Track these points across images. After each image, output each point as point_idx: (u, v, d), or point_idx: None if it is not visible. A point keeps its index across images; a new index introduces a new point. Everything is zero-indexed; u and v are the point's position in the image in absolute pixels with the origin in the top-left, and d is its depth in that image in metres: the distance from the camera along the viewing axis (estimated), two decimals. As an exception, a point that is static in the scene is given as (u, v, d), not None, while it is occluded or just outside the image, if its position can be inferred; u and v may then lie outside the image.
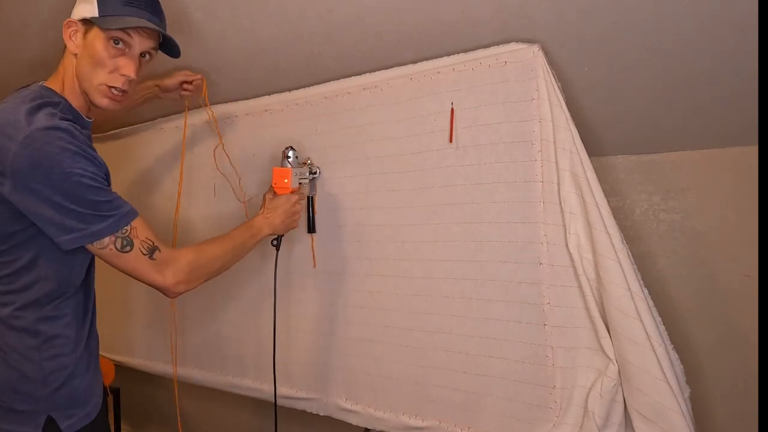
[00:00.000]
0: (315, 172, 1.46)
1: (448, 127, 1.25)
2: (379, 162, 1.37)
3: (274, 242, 1.33)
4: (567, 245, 1.12)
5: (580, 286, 1.12)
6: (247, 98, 1.65)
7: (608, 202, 1.10)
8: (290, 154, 1.31)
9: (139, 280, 0.99)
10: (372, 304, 1.39)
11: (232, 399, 1.63)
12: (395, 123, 1.34)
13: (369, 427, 1.40)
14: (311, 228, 1.48)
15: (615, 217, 1.09)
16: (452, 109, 1.25)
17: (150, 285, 1.00)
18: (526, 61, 1.15)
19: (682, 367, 1.08)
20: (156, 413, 2.29)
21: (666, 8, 1.00)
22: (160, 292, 1.02)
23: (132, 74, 0.98)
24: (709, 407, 1.35)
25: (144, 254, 0.95)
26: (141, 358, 1.89)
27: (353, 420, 1.42)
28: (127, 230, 0.94)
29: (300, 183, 1.34)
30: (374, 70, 1.38)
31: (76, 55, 0.99)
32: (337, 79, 1.45)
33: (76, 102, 1.02)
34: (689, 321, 1.38)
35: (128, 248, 0.93)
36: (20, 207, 0.88)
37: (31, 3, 1.34)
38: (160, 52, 1.09)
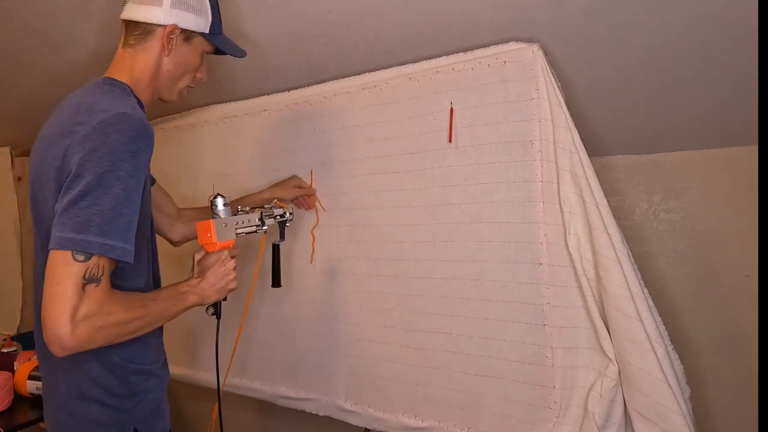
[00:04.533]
0: (283, 215, 1.30)
1: (448, 127, 1.25)
2: (378, 162, 1.37)
3: (211, 310, 1.10)
4: (567, 245, 1.12)
5: (580, 286, 1.11)
6: (247, 98, 1.64)
7: (608, 201, 1.10)
8: (217, 202, 1.09)
9: (43, 299, 0.78)
10: (372, 304, 1.39)
11: (232, 399, 1.63)
12: (394, 123, 1.34)
13: (369, 427, 1.40)
14: (275, 281, 1.34)
15: (615, 217, 1.09)
16: (452, 108, 1.25)
17: (49, 317, 0.77)
18: (526, 60, 1.15)
19: (682, 367, 1.08)
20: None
21: (666, 8, 1.00)
22: (49, 333, 0.77)
23: (206, 77, 1.14)
24: (709, 407, 1.35)
25: (82, 284, 0.78)
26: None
27: (353, 420, 1.42)
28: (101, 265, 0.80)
29: (241, 233, 1.12)
30: (373, 70, 1.38)
31: (165, 57, 1.02)
32: (337, 78, 1.45)
33: (142, 96, 1.01)
34: (689, 321, 1.38)
35: (82, 258, 0.79)
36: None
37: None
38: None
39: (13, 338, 1.97)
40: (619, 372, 1.07)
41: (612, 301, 1.05)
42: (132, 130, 0.85)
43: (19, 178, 2.30)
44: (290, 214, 1.33)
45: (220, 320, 1.13)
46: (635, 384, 1.04)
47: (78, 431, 0.94)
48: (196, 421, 2.17)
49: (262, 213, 1.21)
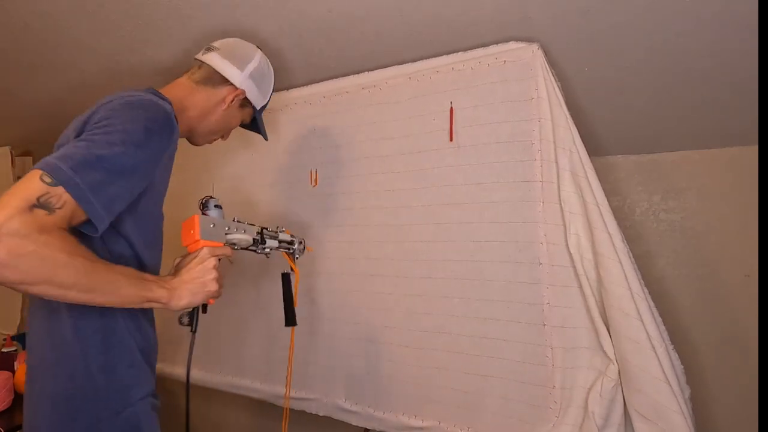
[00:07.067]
0: (291, 243, 1.18)
1: (448, 127, 1.25)
2: (378, 162, 1.37)
3: (185, 320, 0.95)
4: (567, 245, 1.12)
5: (580, 286, 1.11)
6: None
7: (608, 201, 1.10)
8: (209, 202, 1.00)
9: None
10: (372, 304, 1.39)
11: (232, 399, 1.63)
12: (394, 122, 1.34)
13: (369, 427, 1.40)
14: (289, 319, 1.20)
15: (615, 217, 1.09)
16: (451, 108, 1.25)
17: None
18: (526, 60, 1.15)
19: (682, 367, 1.08)
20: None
21: (666, 8, 1.00)
22: None
23: (226, 139, 1.21)
24: (709, 407, 1.35)
25: (33, 204, 0.71)
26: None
27: (353, 420, 1.42)
28: (60, 195, 0.73)
29: (233, 240, 0.99)
30: (373, 70, 1.38)
31: (220, 110, 1.09)
32: (336, 78, 1.45)
33: (181, 126, 1.02)
34: (689, 321, 1.38)
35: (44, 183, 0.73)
36: None
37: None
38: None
39: (13, 338, 1.97)
40: (619, 372, 1.07)
41: (613, 300, 1.05)
42: (157, 113, 0.86)
43: (19, 178, 2.30)
44: (300, 244, 1.22)
45: (195, 334, 0.97)
46: (635, 384, 1.04)
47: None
48: (196, 421, 2.17)
49: (263, 230, 1.09)
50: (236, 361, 1.65)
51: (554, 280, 1.13)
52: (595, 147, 1.31)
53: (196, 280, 0.90)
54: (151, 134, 0.83)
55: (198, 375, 1.73)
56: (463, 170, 1.24)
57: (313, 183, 1.49)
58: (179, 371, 1.75)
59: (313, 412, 1.49)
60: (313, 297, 1.50)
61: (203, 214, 0.97)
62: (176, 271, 0.93)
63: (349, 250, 1.43)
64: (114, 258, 0.87)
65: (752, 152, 1.30)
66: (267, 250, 1.10)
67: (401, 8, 1.14)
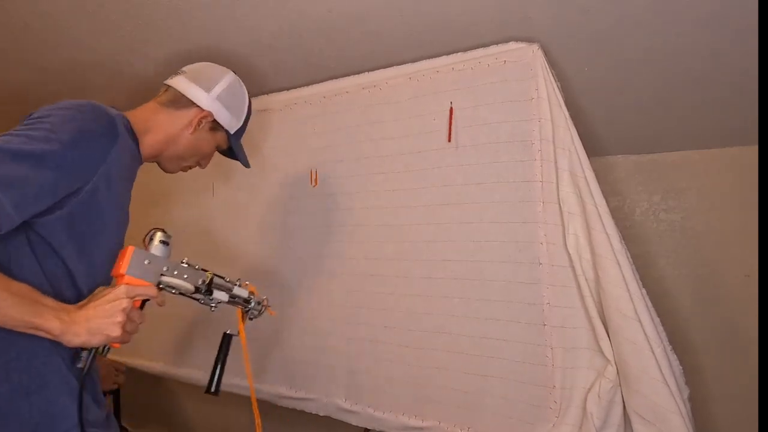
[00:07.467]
0: (247, 301, 1.03)
1: (448, 127, 1.25)
2: (378, 162, 1.37)
3: (80, 362, 0.80)
4: (566, 245, 1.12)
5: (578, 287, 1.11)
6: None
7: (608, 202, 1.10)
8: (155, 235, 0.87)
9: None
10: (372, 304, 1.39)
11: (232, 399, 1.63)
12: (394, 122, 1.34)
13: (369, 427, 1.40)
14: (210, 386, 1.04)
15: (615, 217, 1.09)
16: (451, 108, 1.25)
17: None
18: (526, 60, 1.15)
19: (680, 367, 1.08)
20: (156, 413, 2.29)
21: (666, 8, 1.00)
22: None
23: (204, 167, 1.17)
24: (709, 407, 1.35)
25: None
26: (143, 359, 1.89)
27: (353, 420, 1.42)
28: None
29: (169, 284, 0.87)
30: (373, 70, 1.38)
31: (187, 133, 1.05)
32: (336, 78, 1.45)
33: (146, 152, 1.00)
34: (689, 321, 1.38)
35: None
36: None
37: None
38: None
39: None
40: (618, 373, 1.07)
41: (611, 301, 1.05)
42: (98, 117, 0.83)
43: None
44: (258, 305, 1.06)
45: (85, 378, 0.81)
46: (634, 385, 1.04)
47: None
48: (196, 421, 2.17)
49: (214, 278, 0.93)
50: (236, 361, 1.65)
51: (554, 280, 1.13)
52: (595, 147, 1.31)
53: (98, 319, 0.77)
54: (84, 135, 0.80)
55: (198, 375, 1.73)
56: (463, 170, 1.24)
57: (313, 183, 1.49)
58: (181, 372, 1.75)
59: (313, 412, 1.49)
60: (313, 297, 1.50)
61: (146, 247, 0.86)
62: (87, 300, 0.81)
63: (349, 250, 1.43)
64: (47, 274, 0.80)
65: (752, 152, 1.30)
66: (213, 303, 0.96)
67: (401, 8, 1.14)
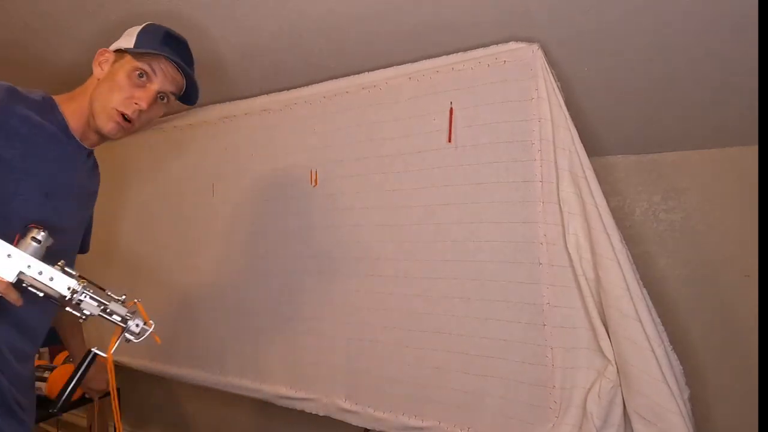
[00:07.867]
0: (124, 321, 0.90)
1: (447, 127, 1.25)
2: (378, 162, 1.37)
3: None
4: (566, 245, 1.12)
5: (579, 287, 1.11)
6: (246, 97, 1.64)
7: (608, 202, 1.10)
8: (29, 234, 0.83)
9: None
10: (372, 304, 1.39)
11: (232, 399, 1.63)
12: (394, 122, 1.34)
13: (369, 427, 1.40)
14: (57, 404, 0.92)
15: (615, 217, 1.09)
16: (451, 108, 1.25)
17: None
18: (526, 60, 1.15)
19: (681, 368, 1.08)
20: (156, 413, 2.29)
21: (666, 8, 1.00)
22: None
23: (144, 105, 0.99)
24: (709, 407, 1.35)
25: None
26: (143, 359, 1.89)
27: (353, 420, 1.42)
28: None
29: (31, 283, 0.81)
30: (373, 70, 1.38)
31: (98, 80, 1.01)
32: (336, 78, 1.45)
33: (75, 123, 1.01)
34: (689, 321, 1.38)
35: None
36: None
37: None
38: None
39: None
40: (618, 373, 1.07)
41: (611, 301, 1.05)
42: None
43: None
44: (137, 326, 0.91)
45: None
46: (635, 385, 1.04)
47: None
48: (196, 421, 2.17)
49: (84, 286, 0.86)
50: (237, 361, 1.65)
51: (554, 280, 1.13)
52: (595, 147, 1.31)
53: None
54: None
55: (198, 375, 1.73)
56: (463, 170, 1.24)
57: (313, 183, 1.49)
58: (181, 371, 1.75)
59: (313, 412, 1.49)
60: (314, 297, 1.50)
61: (16, 242, 0.81)
62: None
63: (349, 250, 1.43)
64: None
65: (752, 152, 1.30)
66: (85, 313, 0.87)
67: (401, 8, 1.14)
